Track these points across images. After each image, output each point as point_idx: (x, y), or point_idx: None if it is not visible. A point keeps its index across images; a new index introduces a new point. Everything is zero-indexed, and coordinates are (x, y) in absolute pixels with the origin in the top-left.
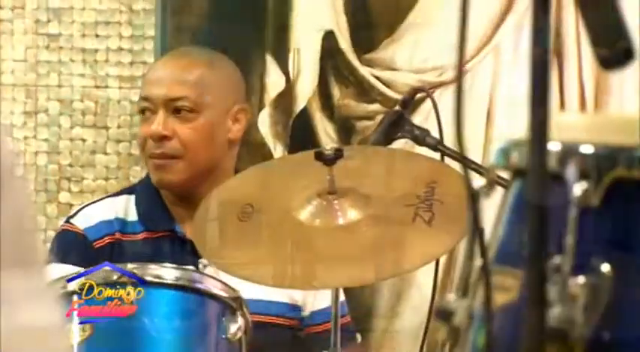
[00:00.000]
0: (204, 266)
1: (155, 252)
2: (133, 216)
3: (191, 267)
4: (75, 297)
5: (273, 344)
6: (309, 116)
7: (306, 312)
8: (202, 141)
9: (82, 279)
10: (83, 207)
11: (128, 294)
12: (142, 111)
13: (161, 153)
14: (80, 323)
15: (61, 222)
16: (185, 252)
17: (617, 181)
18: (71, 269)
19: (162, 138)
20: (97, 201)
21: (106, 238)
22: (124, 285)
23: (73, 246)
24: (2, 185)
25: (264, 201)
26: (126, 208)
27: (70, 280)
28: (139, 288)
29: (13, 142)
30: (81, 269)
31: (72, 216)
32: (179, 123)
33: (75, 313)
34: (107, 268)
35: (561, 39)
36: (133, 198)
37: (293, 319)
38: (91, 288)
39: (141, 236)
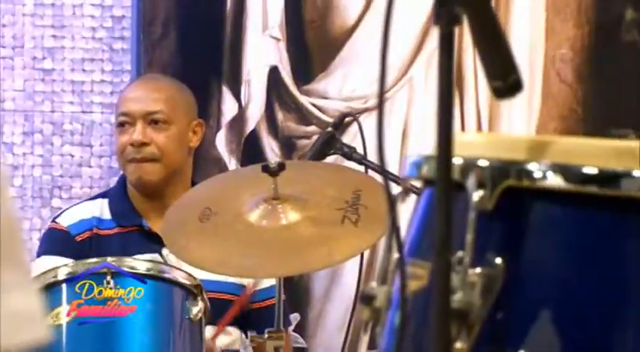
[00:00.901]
0: (167, 254)
1: (126, 244)
2: (107, 215)
3: (159, 258)
4: (65, 287)
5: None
6: (258, 136)
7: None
8: (174, 147)
9: (69, 269)
10: (66, 209)
11: (129, 293)
12: (121, 124)
13: (141, 158)
14: (80, 323)
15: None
16: (151, 243)
17: (508, 190)
18: (58, 260)
19: (142, 145)
20: (78, 203)
21: (85, 233)
22: (104, 276)
23: (59, 240)
24: (0, 194)
25: (221, 205)
26: (101, 209)
27: (70, 279)
28: (139, 288)
29: (10, 158)
30: (67, 260)
31: (57, 216)
32: (155, 132)
33: (74, 312)
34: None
35: (462, 72)
36: (106, 200)
37: (240, 296)
38: (91, 288)
39: (114, 231)
